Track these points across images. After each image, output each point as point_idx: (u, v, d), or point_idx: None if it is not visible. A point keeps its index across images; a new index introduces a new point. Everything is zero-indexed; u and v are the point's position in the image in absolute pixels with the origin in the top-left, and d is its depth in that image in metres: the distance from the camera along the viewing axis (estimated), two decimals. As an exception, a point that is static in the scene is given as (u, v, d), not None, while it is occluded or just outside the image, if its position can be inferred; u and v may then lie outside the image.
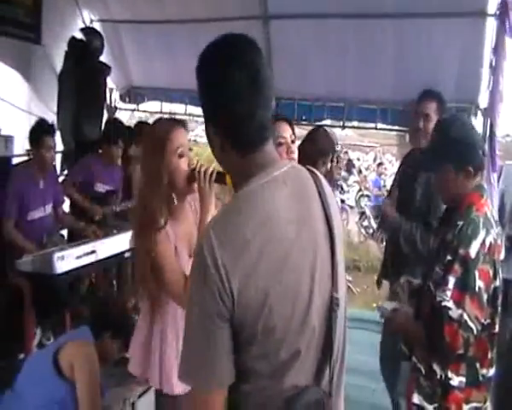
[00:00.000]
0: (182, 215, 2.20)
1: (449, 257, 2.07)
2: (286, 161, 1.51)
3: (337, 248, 1.34)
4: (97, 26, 5.97)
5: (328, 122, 5.37)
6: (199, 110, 6.38)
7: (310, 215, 1.32)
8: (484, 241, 2.04)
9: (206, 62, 1.31)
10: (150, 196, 2.06)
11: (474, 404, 2.13)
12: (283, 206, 1.27)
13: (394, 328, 2.40)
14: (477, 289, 2.01)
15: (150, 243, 2.03)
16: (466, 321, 1.99)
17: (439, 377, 2.13)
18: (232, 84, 1.23)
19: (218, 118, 1.28)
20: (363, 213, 12.59)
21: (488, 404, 2.21)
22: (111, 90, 6.37)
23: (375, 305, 6.31)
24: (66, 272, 3.43)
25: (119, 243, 3.94)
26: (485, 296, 2.04)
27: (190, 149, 2.13)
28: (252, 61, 1.27)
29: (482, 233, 2.04)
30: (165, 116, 2.06)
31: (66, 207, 4.74)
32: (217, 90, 1.26)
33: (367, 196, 13.83)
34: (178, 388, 2.14)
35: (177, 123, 2.14)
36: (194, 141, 15.13)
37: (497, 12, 4.16)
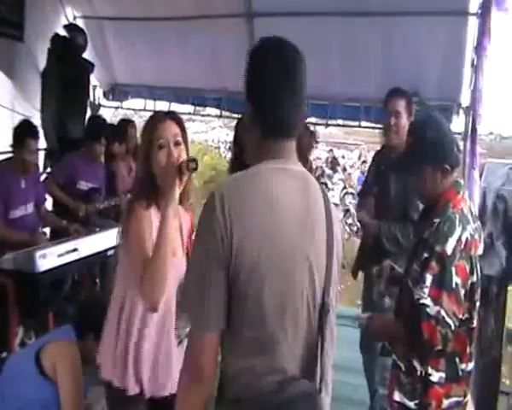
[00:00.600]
0: (170, 208, 2.12)
1: (426, 255, 2.09)
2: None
3: (334, 252, 1.46)
4: (81, 22, 5.94)
5: (312, 120, 5.40)
6: (183, 108, 6.40)
7: (313, 214, 1.44)
8: (460, 237, 2.05)
9: (255, 50, 1.49)
10: (136, 181, 2.23)
11: (455, 398, 2.16)
12: (291, 195, 1.40)
13: (373, 335, 2.42)
14: (454, 285, 2.03)
15: (129, 220, 2.08)
16: (444, 317, 2.01)
17: (419, 373, 2.15)
18: (271, 72, 1.43)
19: (254, 97, 1.47)
20: (347, 211, 12.66)
21: (468, 398, 2.23)
22: (94, 87, 6.35)
23: (359, 302, 6.34)
24: (49, 271, 3.41)
25: (101, 240, 3.93)
26: (462, 292, 2.06)
27: (177, 144, 2.11)
28: (290, 62, 1.45)
29: (458, 230, 2.06)
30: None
31: (49, 205, 4.71)
32: (257, 74, 1.46)
33: (351, 193, 13.88)
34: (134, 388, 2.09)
35: (167, 116, 2.18)
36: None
37: (479, 11, 4.20)
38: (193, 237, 1.56)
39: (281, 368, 1.37)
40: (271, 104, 1.43)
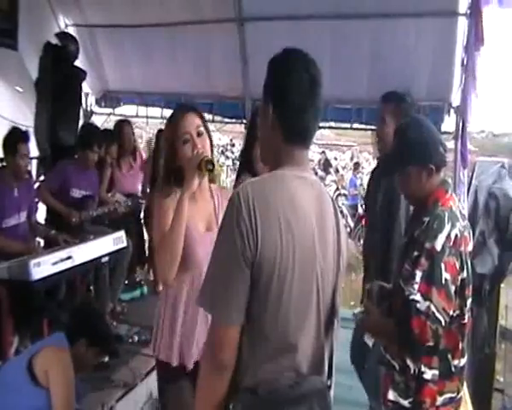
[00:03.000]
0: (199, 195, 2.28)
1: (416, 253, 2.11)
2: None
3: (341, 258, 1.58)
4: (72, 30, 5.94)
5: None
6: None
7: (324, 223, 1.52)
8: (449, 234, 2.08)
9: (281, 59, 1.55)
10: (159, 174, 2.28)
11: (448, 395, 2.18)
12: (307, 202, 1.48)
13: (366, 329, 2.44)
14: (443, 281, 2.05)
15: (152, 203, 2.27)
16: (434, 313, 2.03)
17: (412, 371, 2.17)
18: (296, 80, 1.48)
19: (278, 101, 1.50)
20: (340, 213, 12.66)
21: (462, 394, 2.25)
22: (87, 94, 6.35)
23: (352, 303, 6.36)
24: (43, 279, 3.40)
25: (95, 248, 3.93)
26: (452, 288, 2.08)
27: (200, 134, 2.22)
28: (314, 72, 1.51)
29: (447, 227, 2.09)
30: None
31: (42, 212, 4.70)
32: (284, 80, 1.50)
33: (344, 195, 13.93)
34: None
35: (187, 109, 2.27)
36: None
37: (468, 11, 4.23)
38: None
39: (297, 365, 1.46)
40: (296, 111, 1.49)
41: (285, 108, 1.49)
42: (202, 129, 2.23)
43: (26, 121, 5.25)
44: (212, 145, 2.28)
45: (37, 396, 2.53)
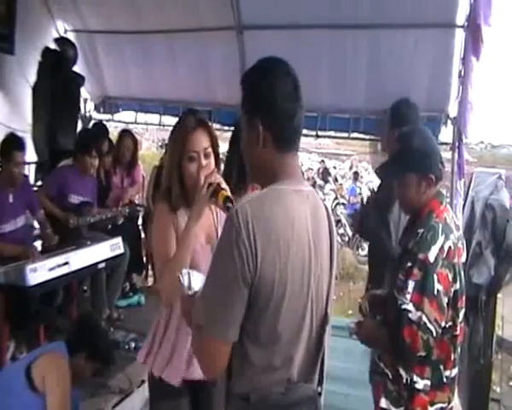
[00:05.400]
0: None
1: (409, 263, 2.12)
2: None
3: (334, 267, 1.59)
4: (71, 36, 5.97)
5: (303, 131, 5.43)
6: (173, 120, 6.42)
7: (320, 235, 1.52)
8: (442, 246, 2.09)
9: (260, 68, 1.52)
10: (164, 186, 2.22)
11: (439, 405, 2.19)
12: (304, 217, 1.47)
13: (361, 339, 2.45)
14: (436, 292, 2.06)
15: (153, 222, 2.22)
16: (425, 323, 2.04)
17: (405, 381, 2.18)
18: (281, 87, 1.46)
19: (266, 113, 1.47)
20: (338, 221, 12.67)
21: (452, 404, 2.26)
22: (85, 100, 6.37)
23: (350, 312, 6.36)
24: (39, 284, 3.39)
25: (92, 254, 3.93)
26: (445, 299, 2.09)
27: (207, 155, 2.15)
28: (295, 76, 1.50)
29: (441, 239, 2.10)
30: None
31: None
32: (269, 90, 1.47)
33: (343, 204, 13.92)
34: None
35: (197, 124, 2.17)
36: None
37: (466, 23, 4.26)
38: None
39: (290, 374, 1.46)
40: (287, 117, 1.47)
41: (275, 117, 1.47)
42: (210, 150, 2.16)
43: (22, 126, 5.26)
44: (218, 164, 2.21)
45: (34, 402, 2.52)
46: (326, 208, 1.61)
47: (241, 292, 1.36)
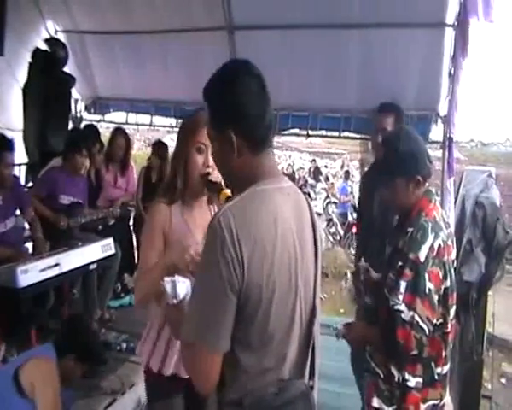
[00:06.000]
0: (196, 203, 2.26)
1: (400, 263, 2.14)
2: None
3: (319, 261, 1.59)
4: (62, 36, 5.93)
5: (294, 131, 5.45)
6: (164, 120, 6.42)
7: (304, 229, 1.53)
8: (432, 245, 2.11)
9: (222, 77, 1.50)
10: (169, 176, 2.25)
11: (432, 402, 2.21)
12: (287, 215, 1.46)
13: (351, 341, 2.46)
14: (427, 291, 2.08)
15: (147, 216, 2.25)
16: (418, 322, 2.06)
17: (396, 379, 2.19)
18: (247, 91, 1.45)
19: (238, 119, 1.45)
20: (330, 220, 12.72)
21: (445, 401, 2.28)
22: (76, 100, 6.33)
23: (342, 311, 6.37)
24: (30, 286, 3.37)
25: (83, 255, 3.91)
26: (435, 297, 2.11)
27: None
28: (258, 73, 1.49)
29: (431, 237, 2.12)
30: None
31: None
32: (235, 97, 1.45)
33: (334, 202, 13.96)
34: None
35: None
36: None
37: (455, 22, 4.27)
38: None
39: (282, 374, 1.47)
40: (259, 118, 1.46)
41: (247, 122, 1.45)
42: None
43: (12, 127, 5.23)
44: None
45: (22, 407, 2.49)
46: (307, 201, 1.61)
47: (230, 301, 1.35)
